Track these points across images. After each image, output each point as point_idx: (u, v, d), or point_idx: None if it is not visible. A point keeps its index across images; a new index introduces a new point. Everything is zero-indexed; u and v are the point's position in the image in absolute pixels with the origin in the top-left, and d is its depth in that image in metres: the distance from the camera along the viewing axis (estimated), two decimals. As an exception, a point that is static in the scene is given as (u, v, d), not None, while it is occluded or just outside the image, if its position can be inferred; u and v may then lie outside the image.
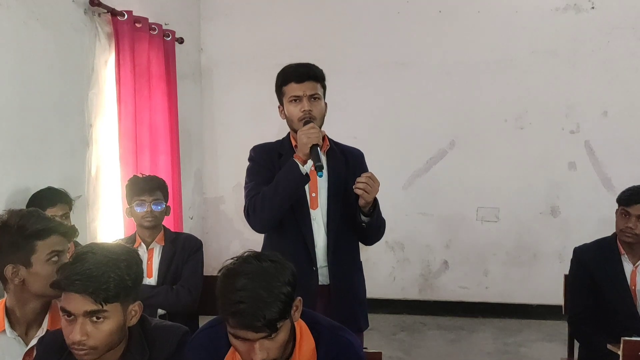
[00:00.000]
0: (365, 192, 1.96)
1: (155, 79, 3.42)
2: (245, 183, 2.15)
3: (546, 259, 4.19)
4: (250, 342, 1.36)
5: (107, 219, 3.10)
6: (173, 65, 3.67)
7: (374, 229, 2.10)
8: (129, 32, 3.11)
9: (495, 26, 4.15)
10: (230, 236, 4.46)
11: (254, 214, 2.05)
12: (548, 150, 4.15)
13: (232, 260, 1.45)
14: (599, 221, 3.93)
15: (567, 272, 2.49)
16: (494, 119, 4.19)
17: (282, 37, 4.28)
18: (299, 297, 1.45)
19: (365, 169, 2.15)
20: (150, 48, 3.33)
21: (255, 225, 2.09)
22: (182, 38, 3.87)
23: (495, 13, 4.15)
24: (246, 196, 2.11)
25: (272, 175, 2.06)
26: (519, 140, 4.17)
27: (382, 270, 4.34)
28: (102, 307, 1.37)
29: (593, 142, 4.10)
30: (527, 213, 4.20)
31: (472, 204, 4.24)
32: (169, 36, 3.59)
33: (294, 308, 1.43)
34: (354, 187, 1.97)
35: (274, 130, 4.09)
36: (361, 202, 2.00)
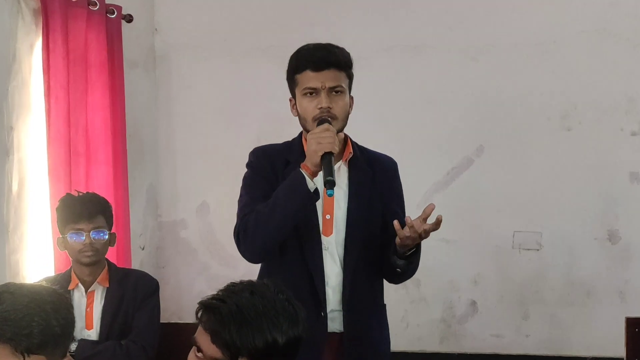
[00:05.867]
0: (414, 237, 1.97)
1: (95, 69, 3.43)
2: (240, 196, 2.15)
3: (603, 297, 4.19)
4: None
5: (33, 251, 3.08)
6: (119, 50, 3.67)
7: (409, 274, 2.12)
8: (62, 7, 3.12)
9: (533, -1, 4.19)
10: (194, 271, 4.43)
11: (244, 240, 2.05)
12: (604, 158, 4.16)
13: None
14: (670, 248, 3.95)
15: (629, 315, 2.49)
16: (534, 118, 4.21)
17: (262, 14, 4.29)
18: None
19: (397, 186, 2.16)
20: (88, 28, 3.34)
21: (246, 253, 2.09)
22: (130, 15, 3.87)
23: (534, -18, 4.20)
24: (238, 214, 2.12)
25: (273, 189, 2.06)
26: (566, 144, 4.19)
27: (392, 313, 4.27)
28: (24, 358, 1.38)
29: (661, 146, 4.13)
30: (578, 239, 4.20)
31: (507, 228, 4.25)
32: (113, 13, 3.59)
33: None
34: (399, 225, 1.96)
35: (252, 133, 4.11)
36: (400, 241, 2.00)
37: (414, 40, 4.26)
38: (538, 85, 4.20)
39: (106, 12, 3.53)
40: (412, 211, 4.24)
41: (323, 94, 2.07)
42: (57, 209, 2.51)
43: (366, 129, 4.22)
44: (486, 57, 4.21)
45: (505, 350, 4.27)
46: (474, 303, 4.31)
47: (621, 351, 2.54)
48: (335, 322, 2.09)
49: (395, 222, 1.97)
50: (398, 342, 4.41)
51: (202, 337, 1.42)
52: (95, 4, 3.38)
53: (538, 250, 4.24)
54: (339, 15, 4.27)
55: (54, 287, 1.54)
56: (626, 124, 4.16)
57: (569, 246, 4.21)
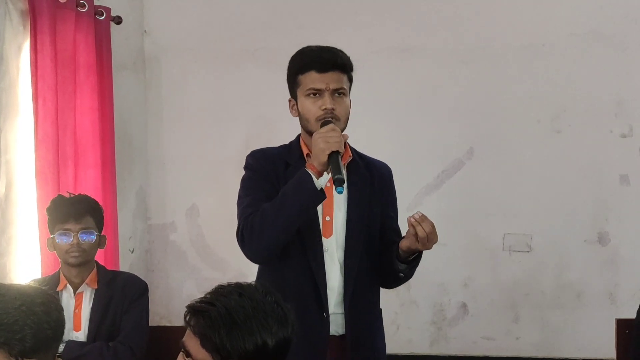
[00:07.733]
0: (423, 239, 1.99)
1: (83, 71, 3.42)
2: (239, 198, 2.16)
3: (593, 299, 4.21)
4: None
5: (22, 253, 3.07)
6: (108, 52, 3.67)
7: (407, 278, 2.15)
8: (50, 9, 3.11)
9: (524, 1, 4.21)
10: (184, 274, 4.43)
11: (249, 239, 2.05)
12: (593, 160, 4.19)
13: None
14: (660, 250, 3.97)
15: (619, 317, 2.51)
16: (524, 120, 4.23)
17: (252, 17, 4.30)
18: None
19: (393, 192, 2.20)
20: (77, 30, 3.33)
21: (250, 253, 2.09)
22: (119, 17, 3.87)
23: (524, -16, 4.22)
24: (240, 215, 2.12)
25: (275, 191, 2.07)
26: (556, 146, 4.22)
27: (383, 316, 4.32)
28: None
29: (650, 149, 4.16)
30: (568, 241, 4.23)
31: (497, 230, 4.27)
32: (102, 14, 3.59)
33: None
34: (411, 219, 1.98)
35: (241, 135, 4.12)
36: (409, 244, 2.01)
37: (404, 42, 4.27)
38: (528, 87, 4.22)
39: (95, 14, 3.53)
40: (403, 214, 4.26)
41: (327, 95, 2.10)
42: (47, 209, 2.51)
43: (355, 131, 4.23)
44: (476, 60, 4.23)
45: (496, 352, 4.28)
46: (464, 305, 4.32)
47: (612, 353, 2.55)
48: (336, 325, 2.10)
49: (409, 218, 2.00)
50: (388, 345, 4.38)
51: (191, 341, 1.41)
52: (84, 6, 3.38)
53: (528, 252, 4.25)
54: (329, 18, 4.28)
55: (42, 287, 1.54)
56: (616, 126, 4.19)
57: (559, 248, 4.24)
